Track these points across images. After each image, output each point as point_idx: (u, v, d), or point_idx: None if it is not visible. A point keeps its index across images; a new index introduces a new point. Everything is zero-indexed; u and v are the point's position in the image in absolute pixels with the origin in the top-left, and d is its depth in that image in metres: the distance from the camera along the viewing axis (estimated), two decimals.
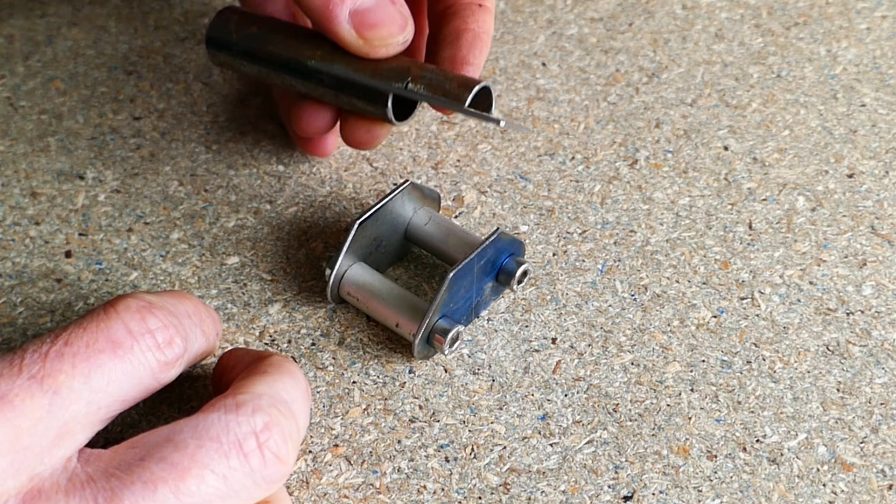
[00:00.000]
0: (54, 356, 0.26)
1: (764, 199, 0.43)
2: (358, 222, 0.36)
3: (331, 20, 0.34)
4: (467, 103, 0.35)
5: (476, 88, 0.35)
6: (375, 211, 0.37)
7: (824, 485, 0.33)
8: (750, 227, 0.42)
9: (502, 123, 0.33)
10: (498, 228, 0.36)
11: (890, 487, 0.33)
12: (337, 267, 0.36)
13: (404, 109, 0.38)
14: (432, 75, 0.36)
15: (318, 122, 0.39)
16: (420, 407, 0.35)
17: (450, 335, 0.35)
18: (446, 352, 0.35)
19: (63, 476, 0.25)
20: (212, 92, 0.48)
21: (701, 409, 0.35)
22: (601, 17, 0.52)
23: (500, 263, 0.37)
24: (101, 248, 0.41)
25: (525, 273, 0.38)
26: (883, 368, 0.36)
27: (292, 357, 0.37)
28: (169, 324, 0.28)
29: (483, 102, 0.36)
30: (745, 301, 0.39)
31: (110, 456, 0.26)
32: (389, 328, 0.37)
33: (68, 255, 0.40)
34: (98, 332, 0.27)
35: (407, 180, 0.38)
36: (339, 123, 0.39)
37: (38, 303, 0.39)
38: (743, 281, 0.39)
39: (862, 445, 0.34)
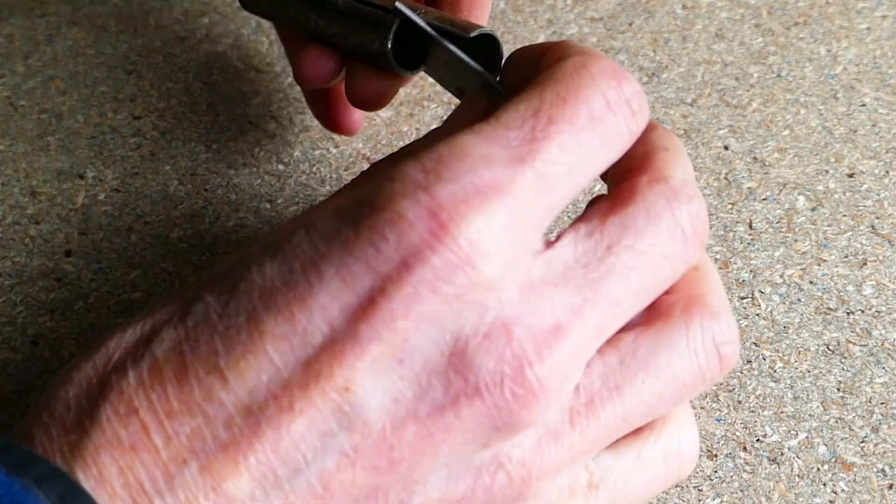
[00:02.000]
0: (542, 138, 0.23)
1: (764, 199, 0.43)
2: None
3: None
4: (473, 34, 0.31)
5: (485, 31, 0.32)
6: None
7: (824, 484, 0.33)
8: (750, 226, 0.42)
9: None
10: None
11: (890, 487, 0.33)
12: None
13: (411, 61, 0.34)
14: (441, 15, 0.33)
15: (321, 66, 0.36)
16: None
17: None
18: None
19: (540, 265, 0.23)
20: (212, 92, 0.48)
21: (701, 408, 0.35)
22: (601, 16, 0.52)
23: None
24: (100, 247, 0.41)
25: None
26: (883, 368, 0.36)
27: None
28: (639, 89, 0.25)
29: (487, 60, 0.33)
30: (745, 300, 0.39)
31: (567, 245, 0.24)
32: None
33: (68, 254, 0.40)
34: (578, 105, 0.23)
35: None
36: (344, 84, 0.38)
37: (38, 302, 0.39)
38: (743, 280, 0.39)
39: (862, 445, 0.34)
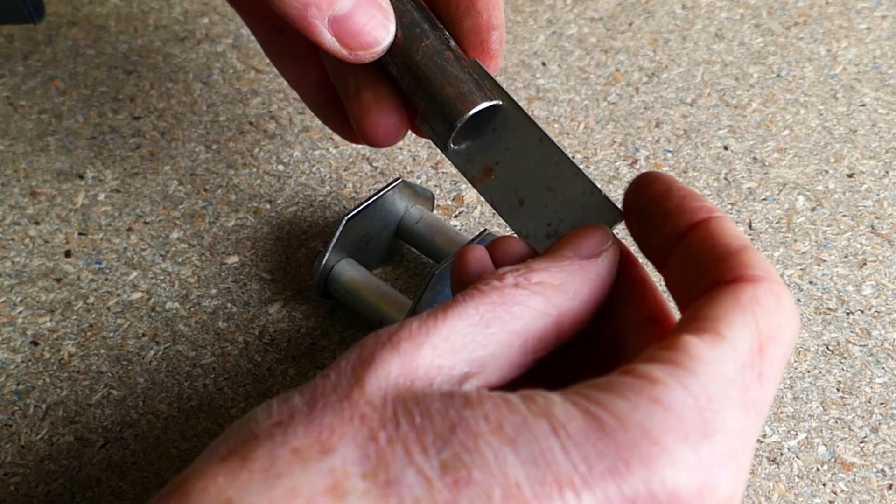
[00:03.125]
0: (766, 381, 0.24)
1: (764, 199, 0.43)
2: (346, 218, 0.36)
3: (311, 32, 0.31)
4: (450, 140, 0.29)
5: (459, 123, 0.29)
6: (364, 207, 0.37)
7: (824, 484, 0.33)
8: (750, 226, 0.41)
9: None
10: (485, 230, 0.36)
11: (890, 487, 0.33)
12: (324, 262, 0.36)
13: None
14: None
15: (387, 123, 0.33)
16: None
17: None
18: None
19: None
20: (212, 92, 0.48)
21: None
22: (601, 16, 0.52)
23: None
24: (100, 247, 0.41)
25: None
26: (883, 368, 0.36)
27: (292, 357, 0.37)
28: None
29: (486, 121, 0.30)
30: None
31: None
32: (374, 325, 0.37)
33: (68, 254, 0.40)
34: (783, 346, 0.24)
35: (399, 178, 0.38)
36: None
37: (38, 302, 0.39)
38: None
39: (862, 445, 0.34)
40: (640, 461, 0.20)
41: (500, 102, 0.30)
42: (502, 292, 0.25)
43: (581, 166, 0.44)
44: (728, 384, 0.22)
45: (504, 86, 0.47)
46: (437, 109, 0.30)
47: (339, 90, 0.35)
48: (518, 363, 0.25)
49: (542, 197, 0.29)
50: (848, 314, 0.38)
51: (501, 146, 0.30)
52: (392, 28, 0.32)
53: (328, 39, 0.31)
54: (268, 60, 0.49)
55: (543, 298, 0.25)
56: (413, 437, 0.21)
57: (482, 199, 0.42)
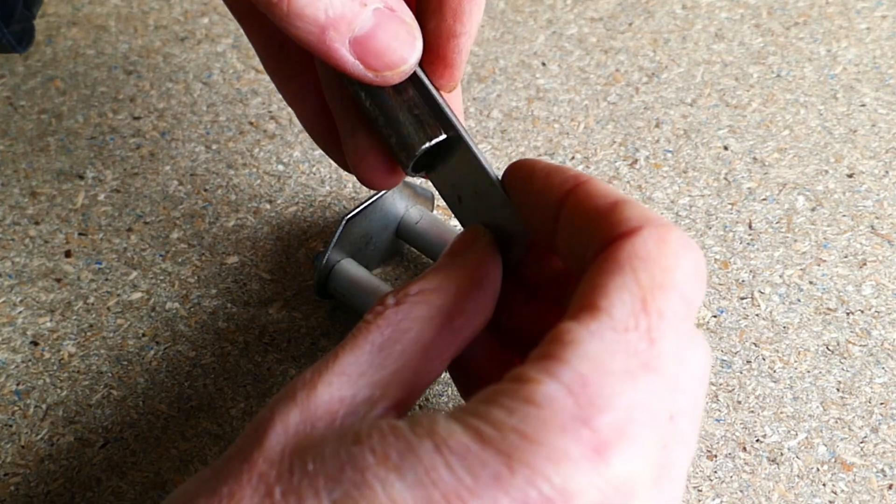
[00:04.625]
0: (659, 338, 0.23)
1: (764, 199, 0.43)
2: (346, 218, 0.36)
3: (332, 57, 0.28)
4: (409, 167, 0.29)
5: (417, 154, 0.29)
6: (365, 207, 0.37)
7: (824, 484, 0.33)
8: (750, 226, 0.42)
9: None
10: None
11: (890, 487, 0.33)
12: (324, 262, 0.36)
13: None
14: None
15: (379, 168, 0.32)
16: (419, 407, 0.35)
17: None
18: None
19: None
20: (212, 92, 0.48)
21: None
22: (601, 16, 0.52)
23: None
24: (100, 247, 0.41)
25: None
26: (883, 368, 0.36)
27: (292, 357, 0.37)
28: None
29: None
30: (744, 301, 0.39)
31: None
32: None
33: (68, 254, 0.40)
34: (675, 293, 0.23)
35: None
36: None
37: (38, 302, 0.39)
38: (743, 280, 0.39)
39: (862, 445, 0.34)
40: (522, 463, 0.20)
41: (439, 138, 0.29)
42: (385, 315, 0.26)
43: (581, 166, 0.44)
44: (605, 359, 0.22)
45: (504, 86, 0.48)
46: (394, 151, 0.30)
47: (336, 122, 0.33)
48: (424, 371, 0.25)
49: (473, 199, 0.30)
50: (848, 314, 0.38)
51: (448, 159, 0.31)
52: (419, 45, 0.30)
53: (350, 62, 0.29)
54: None
55: (425, 305, 0.26)
56: (306, 484, 0.22)
57: None
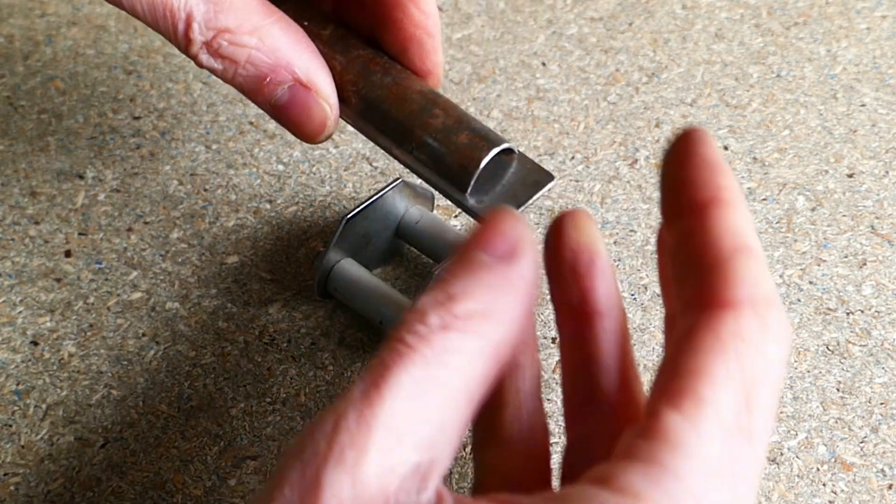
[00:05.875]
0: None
1: (764, 199, 0.43)
2: (346, 218, 0.36)
3: (264, 109, 0.32)
4: (469, 190, 0.30)
5: (480, 167, 0.29)
6: (364, 207, 0.37)
7: (824, 484, 0.33)
8: None
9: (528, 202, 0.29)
10: (399, 178, 0.36)
11: (890, 487, 0.33)
12: (324, 262, 0.36)
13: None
14: (437, 137, 0.30)
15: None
16: None
17: None
18: None
19: None
20: (212, 92, 0.48)
21: None
22: (601, 16, 0.52)
23: None
24: (100, 247, 0.41)
25: None
26: (883, 368, 0.36)
27: (292, 357, 0.37)
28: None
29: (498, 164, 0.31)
30: None
31: None
32: (374, 325, 0.37)
33: (68, 254, 0.40)
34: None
35: (399, 178, 0.38)
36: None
37: (38, 302, 0.39)
38: None
39: (862, 445, 0.34)
40: None
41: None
42: (431, 342, 0.21)
43: (581, 166, 0.44)
44: (714, 468, 0.20)
45: (504, 86, 0.48)
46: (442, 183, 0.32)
47: None
48: (467, 419, 0.22)
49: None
50: (848, 314, 0.38)
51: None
52: (333, 114, 0.32)
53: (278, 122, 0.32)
54: None
55: (476, 336, 0.22)
56: None
57: None
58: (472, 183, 0.30)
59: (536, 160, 0.44)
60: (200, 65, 0.30)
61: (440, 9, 0.52)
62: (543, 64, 0.49)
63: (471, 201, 0.30)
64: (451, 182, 0.30)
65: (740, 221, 0.22)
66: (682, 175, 0.23)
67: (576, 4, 0.53)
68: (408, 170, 0.32)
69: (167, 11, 0.29)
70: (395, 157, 0.32)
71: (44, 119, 0.46)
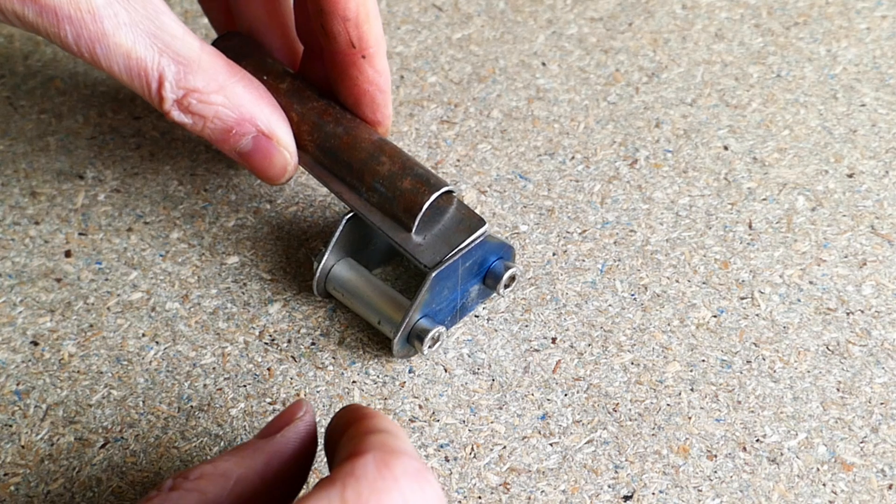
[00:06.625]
0: None
1: (764, 199, 0.43)
2: (346, 218, 0.36)
3: (230, 155, 0.36)
4: (414, 229, 0.35)
5: (422, 210, 0.35)
6: None
7: (824, 484, 0.33)
8: (750, 226, 0.42)
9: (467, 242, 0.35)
10: (485, 232, 0.36)
11: (890, 487, 0.33)
12: (323, 261, 0.36)
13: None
14: (384, 183, 0.35)
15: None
16: (420, 406, 0.35)
17: (429, 336, 0.35)
18: (425, 352, 0.35)
19: None
20: None
21: (701, 408, 0.35)
22: (601, 16, 0.52)
23: (488, 266, 0.37)
24: (100, 247, 0.41)
25: (513, 278, 0.37)
26: (883, 368, 0.36)
27: (292, 357, 0.37)
28: (440, 492, 0.25)
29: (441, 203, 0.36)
30: (744, 301, 0.39)
31: None
32: (373, 325, 0.37)
33: (68, 254, 0.40)
34: None
35: None
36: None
37: (38, 302, 0.39)
38: (743, 280, 0.39)
39: (862, 445, 0.34)
40: None
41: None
42: (162, 499, 0.25)
43: (581, 166, 0.44)
44: None
45: (504, 86, 0.48)
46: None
47: None
48: None
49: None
50: (848, 314, 0.38)
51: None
52: (293, 160, 0.36)
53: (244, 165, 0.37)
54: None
55: (197, 493, 0.25)
56: None
57: (481, 199, 0.42)
58: (416, 224, 0.34)
59: (536, 160, 0.44)
60: (172, 120, 0.34)
61: (440, 9, 0.52)
62: (543, 64, 0.49)
63: (416, 240, 0.35)
64: (398, 222, 0.35)
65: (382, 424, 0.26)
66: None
67: (576, 4, 0.53)
68: (359, 215, 0.36)
69: (141, 72, 0.33)
70: (347, 202, 0.36)
71: (44, 119, 0.47)
